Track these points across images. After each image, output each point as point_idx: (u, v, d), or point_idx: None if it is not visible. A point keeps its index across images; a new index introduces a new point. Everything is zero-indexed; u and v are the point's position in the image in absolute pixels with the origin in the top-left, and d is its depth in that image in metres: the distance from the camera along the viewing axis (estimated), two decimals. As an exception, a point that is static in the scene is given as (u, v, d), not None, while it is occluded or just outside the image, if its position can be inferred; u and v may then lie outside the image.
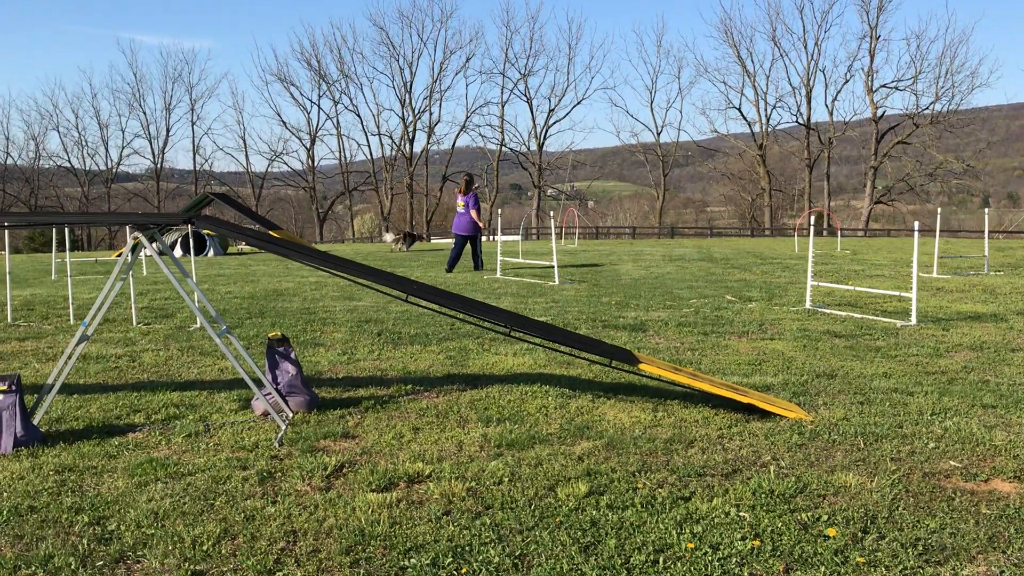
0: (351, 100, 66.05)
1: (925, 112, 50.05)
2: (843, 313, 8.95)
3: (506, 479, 3.88)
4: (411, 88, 59.73)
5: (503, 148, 59.62)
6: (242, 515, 3.48)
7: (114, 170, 65.63)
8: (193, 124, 63.60)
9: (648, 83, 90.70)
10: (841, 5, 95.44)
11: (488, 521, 3.39)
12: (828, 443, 4.37)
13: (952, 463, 4.04)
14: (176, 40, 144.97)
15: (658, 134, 57.59)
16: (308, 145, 62.02)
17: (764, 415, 4.89)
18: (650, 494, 3.67)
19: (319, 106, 63.42)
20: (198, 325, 8.33)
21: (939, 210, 11.64)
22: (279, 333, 5.28)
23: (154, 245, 4.68)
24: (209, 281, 13.50)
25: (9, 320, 8.97)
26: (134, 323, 8.55)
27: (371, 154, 62.15)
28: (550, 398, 5.31)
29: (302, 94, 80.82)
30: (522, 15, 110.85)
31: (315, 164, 63.14)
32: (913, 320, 8.17)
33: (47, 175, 66.80)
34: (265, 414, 4.94)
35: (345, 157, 62.91)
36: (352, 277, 4.88)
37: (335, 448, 4.39)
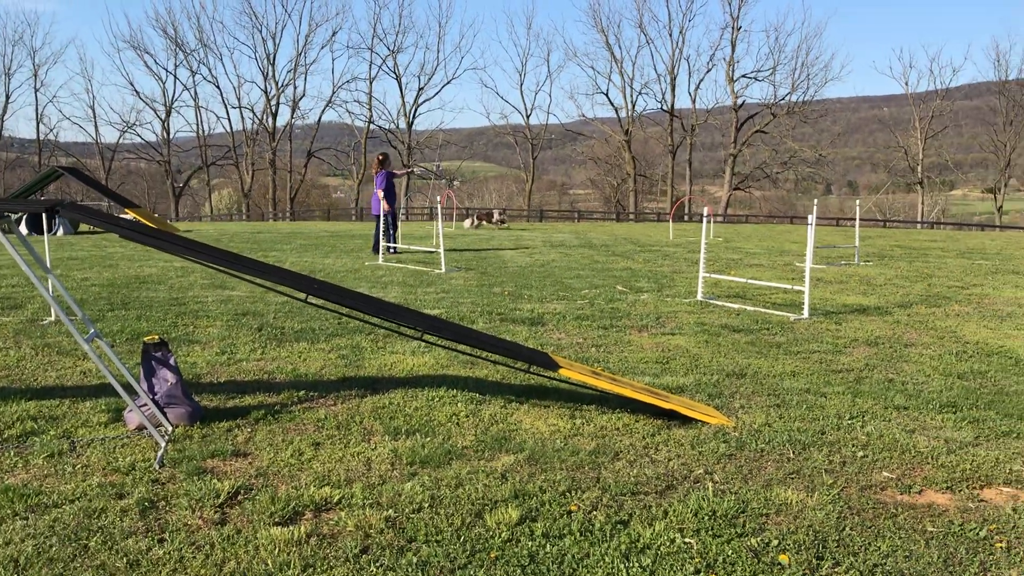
0: (210, 71, 63.05)
1: (782, 102, 52.10)
2: (735, 305, 8.96)
3: (426, 504, 3.50)
4: (274, 60, 57.77)
5: (371, 125, 58.39)
6: (124, 560, 2.97)
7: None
8: (36, 91, 59.27)
9: (518, 65, 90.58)
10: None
11: (414, 559, 3.01)
12: (757, 453, 4.20)
13: (886, 474, 3.93)
14: (15, 1, 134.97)
15: (527, 116, 57.73)
16: (163, 116, 58.94)
17: (685, 421, 4.69)
18: (586, 519, 3.37)
19: (175, 76, 60.04)
20: (53, 318, 7.49)
21: (815, 201, 11.93)
22: (156, 336, 4.68)
23: (9, 234, 4.02)
24: (62, 266, 12.37)
25: None
26: (-25, 316, 7.62)
27: (231, 127, 59.72)
28: (460, 404, 4.94)
29: (157, 63, 76.95)
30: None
31: (170, 136, 60.12)
32: (806, 314, 8.24)
33: None
34: (140, 428, 4.36)
35: (203, 130, 60.18)
36: (250, 277, 4.36)
37: (226, 469, 3.88)
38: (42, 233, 12.79)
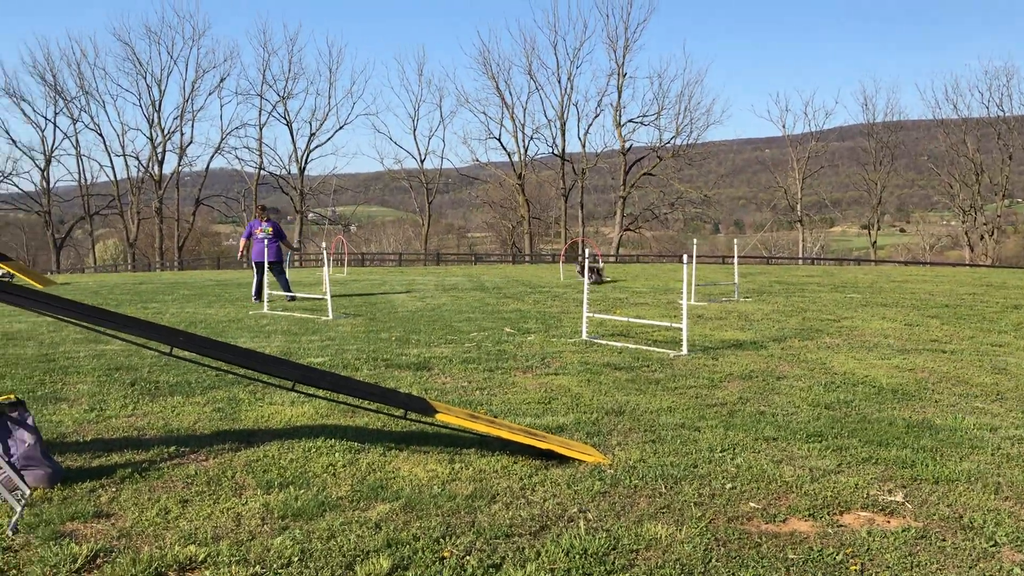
0: (92, 118, 60.39)
1: (667, 146, 53.79)
2: (619, 344, 9.14)
3: (296, 559, 3.43)
4: (160, 107, 56.26)
5: (262, 171, 57.51)
6: (-34, 636, 2.80)
7: None
8: (-101, 138, 56.11)
9: (411, 111, 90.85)
10: (591, 43, 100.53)
11: (280, 616, 2.94)
12: (630, 489, 4.28)
13: (752, 504, 4.06)
14: None
15: (422, 161, 57.89)
16: (42, 166, 56.62)
17: (564, 460, 4.74)
18: (459, 564, 3.37)
19: (55, 124, 57.68)
20: (-95, 380, 7.06)
21: (695, 240, 12.34)
22: (12, 396, 4.47)
23: None
24: (-81, 322, 11.69)
25: None
26: None
27: (115, 176, 57.80)
28: (337, 454, 4.87)
29: (35, 110, 73.77)
30: (280, 37, 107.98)
31: (50, 186, 57.74)
32: (684, 350, 8.46)
33: None
34: (-6, 494, 4.13)
35: (85, 179, 58.09)
36: (113, 332, 4.22)
37: (86, 532, 3.72)
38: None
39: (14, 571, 3.31)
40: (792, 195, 58.34)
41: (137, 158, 57.68)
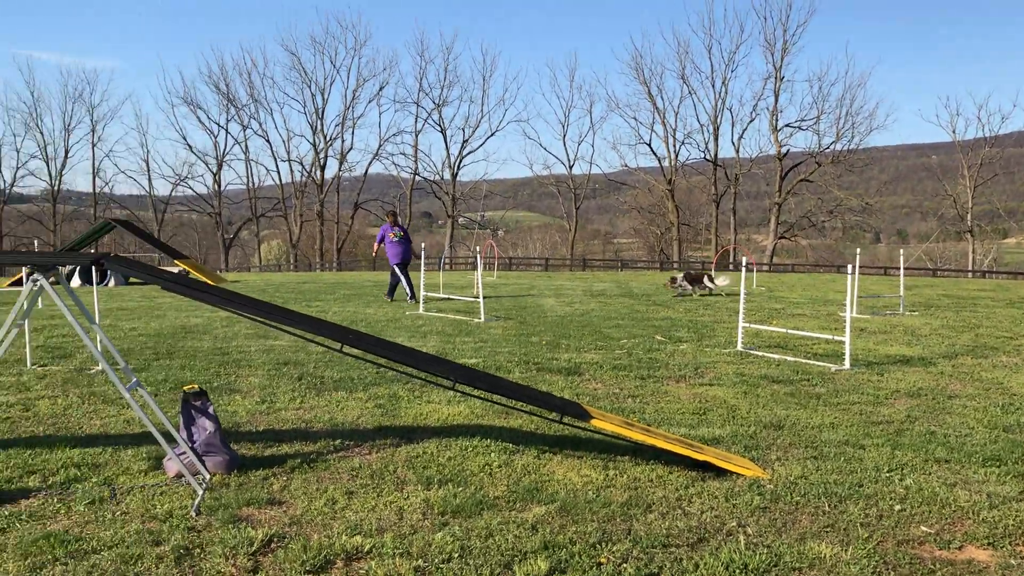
0: (260, 125, 64.54)
1: (827, 151, 51.82)
2: (776, 356, 8.87)
3: (456, 555, 3.51)
4: (323, 115, 58.99)
5: (416, 176, 59.21)
6: (158, 607, 3.02)
7: (7, 191, 62.40)
8: (94, 146, 61.17)
9: (561, 117, 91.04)
10: (747, 47, 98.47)
11: (442, 609, 3.02)
12: (791, 505, 4.14)
13: (924, 528, 3.85)
14: (78, 60, 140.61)
15: (570, 166, 58.11)
16: (215, 169, 60.38)
17: (720, 473, 4.64)
18: (616, 571, 3.36)
19: (227, 130, 61.62)
20: (100, 368, 7.67)
21: (858, 250, 11.81)
22: (196, 386, 4.79)
23: (56, 286, 4.17)
24: (111, 316, 12.69)
25: None
26: (28, 365, 7.83)
27: (280, 180, 60.91)
28: (493, 454, 4.96)
29: (209, 118, 78.70)
30: (436, 45, 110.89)
31: (221, 189, 61.50)
32: (847, 364, 8.12)
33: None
34: (179, 476, 4.44)
35: (253, 182, 61.48)
36: (289, 328, 4.45)
37: (260, 518, 3.93)
38: (92, 284, 13.09)
39: (198, 550, 3.54)
40: (961, 204, 54.94)
41: (301, 163, 60.60)
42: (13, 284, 22.19)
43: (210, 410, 4.69)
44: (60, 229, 62.12)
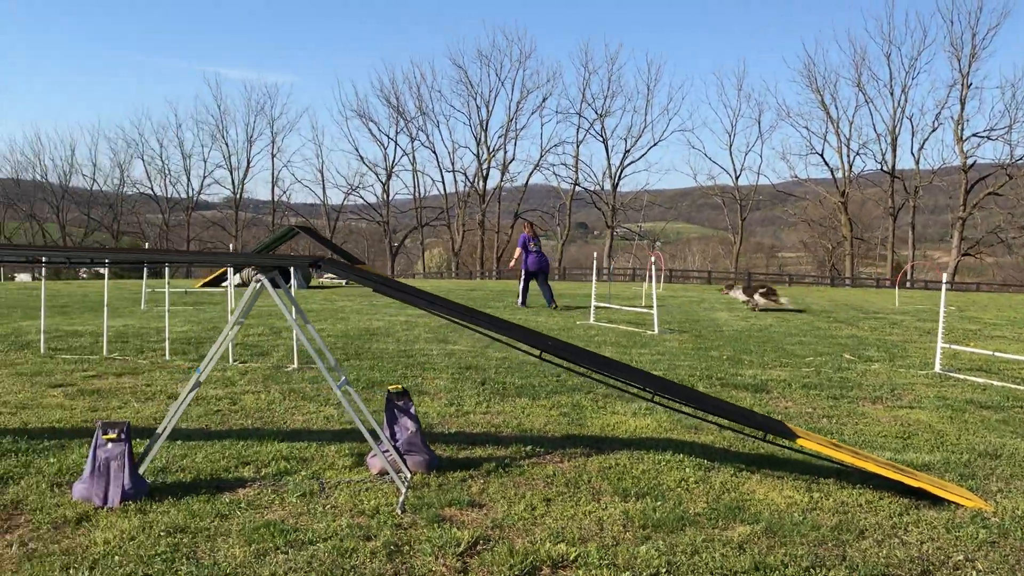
0: (427, 137, 66.56)
1: (1020, 163, 48.26)
2: (981, 380, 8.28)
3: (663, 570, 3.42)
4: (487, 126, 60.15)
5: (576, 187, 59.43)
6: (377, 600, 3.09)
7: (195, 198, 67.17)
8: (273, 156, 64.91)
9: (727, 126, 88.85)
10: (930, 52, 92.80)
11: (657, 625, 2.94)
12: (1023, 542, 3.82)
13: None
14: (260, 75, 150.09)
15: (736, 177, 56.78)
16: (383, 180, 62.75)
17: (936, 501, 4.34)
18: (837, 600, 3.18)
19: (396, 142, 64.32)
20: (295, 366, 8.07)
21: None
22: (399, 386, 4.93)
23: (277, 288, 4.39)
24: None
25: (104, 353, 8.85)
26: (230, 361, 8.33)
27: (444, 190, 62.63)
28: (688, 469, 4.84)
29: (380, 130, 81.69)
30: (600, 56, 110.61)
31: (389, 199, 63.82)
32: (1064, 392, 7.48)
33: (130, 201, 68.68)
34: (383, 473, 4.57)
35: (419, 192, 63.47)
36: (492, 334, 4.51)
37: (463, 519, 3.98)
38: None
39: (407, 547, 3.61)
40: None
41: (464, 173, 62.11)
42: (206, 284, 23.77)
43: (411, 410, 4.81)
44: (241, 235, 66.23)
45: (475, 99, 62.09)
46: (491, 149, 60.39)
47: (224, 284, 24.56)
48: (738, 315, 15.92)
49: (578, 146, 59.00)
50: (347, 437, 5.36)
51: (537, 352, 4.53)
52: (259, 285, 4.38)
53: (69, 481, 4.37)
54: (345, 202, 65.74)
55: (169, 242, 66.92)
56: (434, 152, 72.82)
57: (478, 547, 3.63)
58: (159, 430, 4.39)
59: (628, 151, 58.12)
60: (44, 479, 4.44)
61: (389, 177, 62.79)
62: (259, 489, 4.35)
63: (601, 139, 58.43)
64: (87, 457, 4.24)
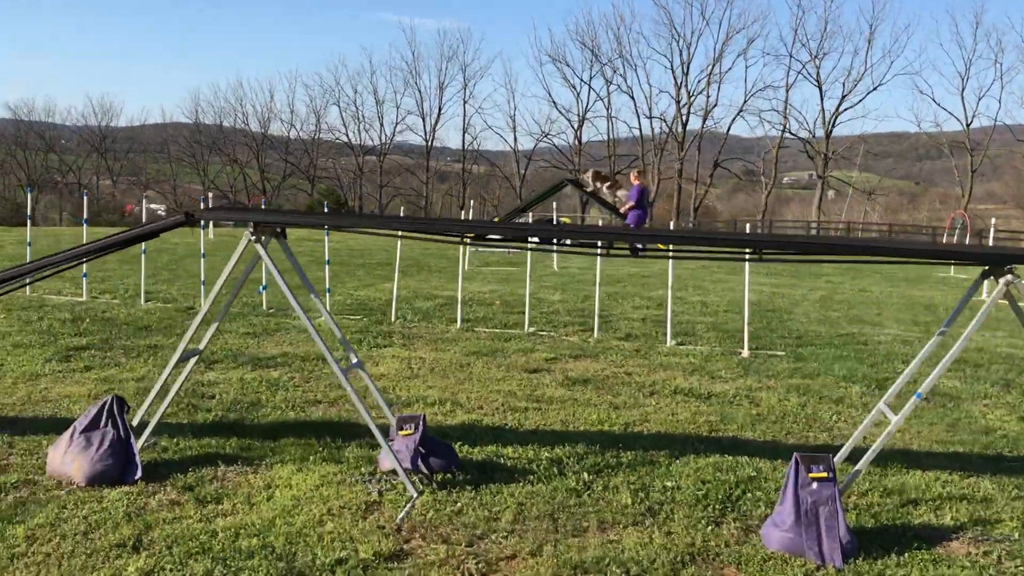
0: (624, 80, 64.47)
1: None
2: None
3: None
4: (688, 70, 57.34)
5: (785, 134, 55.97)
6: None
7: (388, 144, 67.78)
8: (465, 103, 64.43)
9: (960, 69, 78.43)
10: None
11: None
12: None
13: None
14: (455, 22, 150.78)
15: (968, 124, 51.79)
16: (576, 126, 61.24)
17: None
18: None
19: (590, 86, 62.18)
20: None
21: None
22: None
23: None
24: (648, 284, 12.15)
25: (526, 328, 7.90)
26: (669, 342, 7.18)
27: (641, 136, 60.46)
28: None
29: (575, 74, 79.52)
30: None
31: (581, 144, 62.30)
32: None
33: (324, 147, 70.18)
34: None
35: (612, 137, 61.58)
36: None
37: None
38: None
39: None
40: None
41: (663, 119, 59.65)
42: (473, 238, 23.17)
43: None
44: (432, 182, 66.57)
45: (677, 41, 59.28)
46: (691, 93, 57.67)
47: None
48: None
49: (788, 90, 55.37)
50: None
51: None
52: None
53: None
54: (536, 148, 64.72)
55: (363, 186, 68.15)
56: (631, 96, 70.42)
57: None
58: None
59: (845, 96, 54.00)
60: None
61: (582, 124, 61.21)
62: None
63: (815, 83, 54.53)
64: (783, 492, 3.17)
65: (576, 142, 62.29)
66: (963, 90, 53.86)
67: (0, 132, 71.98)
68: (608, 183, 18.87)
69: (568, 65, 62.49)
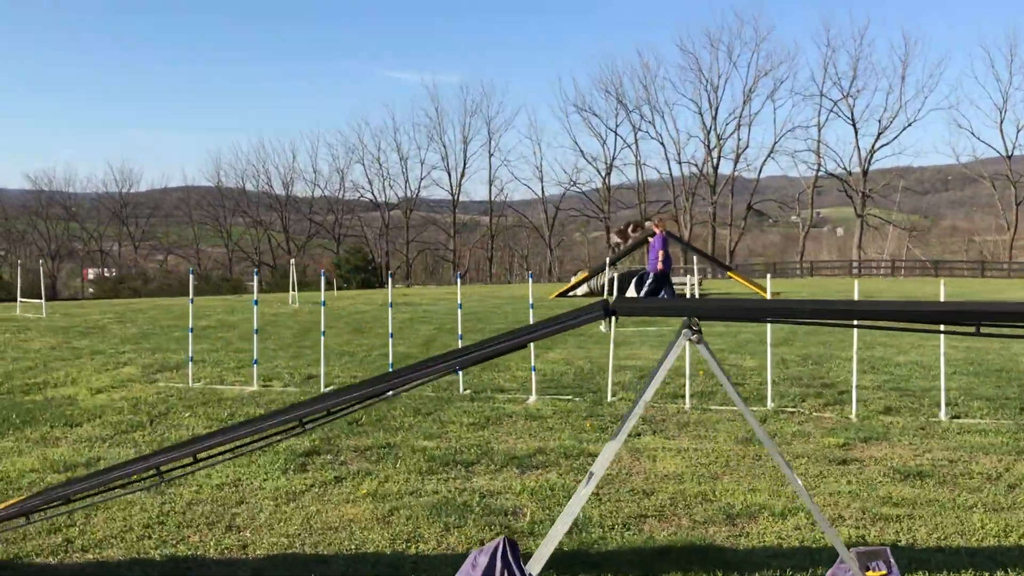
0: (653, 127, 63.63)
1: None
2: None
3: None
4: (716, 113, 56.77)
5: (820, 172, 55.15)
6: None
7: (414, 200, 67.02)
8: (491, 155, 63.87)
9: (998, 102, 75.24)
10: None
11: None
12: None
13: None
14: (476, 74, 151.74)
15: (1009, 156, 50.87)
16: (604, 173, 60.55)
17: None
18: None
19: (617, 133, 61.34)
20: None
21: None
22: None
23: None
24: (748, 347, 10.98)
25: (609, 397, 6.74)
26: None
27: (672, 181, 59.70)
28: None
29: (602, 122, 78.72)
30: (846, 31, 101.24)
31: (610, 192, 61.53)
32: None
33: (349, 204, 69.49)
34: None
35: (641, 183, 60.82)
36: None
37: None
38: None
39: None
40: None
41: (693, 163, 58.91)
42: (562, 294, 22.29)
43: None
44: (458, 235, 65.74)
45: (704, 85, 58.66)
46: (721, 137, 57.00)
47: (576, 293, 22.99)
48: None
49: (820, 129, 54.70)
50: None
51: None
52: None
53: None
54: (564, 195, 63.89)
55: (390, 242, 67.34)
56: (660, 142, 69.43)
57: None
58: None
59: (882, 132, 53.20)
60: None
61: (610, 171, 60.52)
62: None
63: (849, 120, 53.78)
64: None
65: (605, 190, 61.48)
66: (1001, 122, 52.92)
67: (22, 203, 71.75)
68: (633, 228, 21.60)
69: (595, 114, 61.64)
